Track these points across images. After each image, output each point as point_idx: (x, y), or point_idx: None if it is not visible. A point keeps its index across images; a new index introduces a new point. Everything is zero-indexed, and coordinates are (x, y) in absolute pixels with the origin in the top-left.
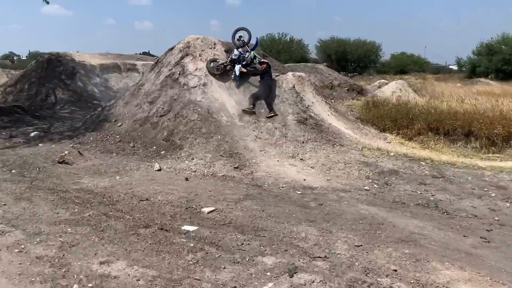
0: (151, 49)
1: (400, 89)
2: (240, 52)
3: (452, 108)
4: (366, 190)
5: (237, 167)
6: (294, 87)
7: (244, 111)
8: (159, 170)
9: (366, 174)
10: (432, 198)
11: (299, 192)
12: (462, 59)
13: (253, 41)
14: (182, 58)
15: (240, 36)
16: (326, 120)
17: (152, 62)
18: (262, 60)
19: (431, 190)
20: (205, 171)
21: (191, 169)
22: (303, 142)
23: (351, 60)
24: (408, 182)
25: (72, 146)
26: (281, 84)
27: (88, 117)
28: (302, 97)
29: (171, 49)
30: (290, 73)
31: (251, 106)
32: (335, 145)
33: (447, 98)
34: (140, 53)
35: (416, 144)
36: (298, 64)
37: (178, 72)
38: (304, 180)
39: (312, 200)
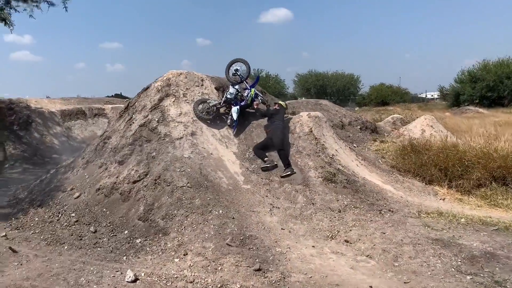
0: (123, 91)
1: (431, 126)
2: (237, 90)
3: None
4: None
5: (259, 269)
6: (311, 131)
7: (264, 169)
8: (134, 281)
9: (453, 264)
10: None
11: None
12: (444, 87)
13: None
14: (161, 100)
15: (237, 70)
16: (358, 173)
17: (123, 106)
18: (265, 99)
19: None
20: (209, 280)
21: (185, 277)
22: (339, 211)
23: (331, 93)
24: None
25: (4, 235)
26: (293, 129)
27: (36, 184)
28: (323, 144)
29: (146, 89)
30: (304, 114)
31: (267, 159)
32: (383, 212)
33: (487, 135)
34: (112, 95)
35: (480, 200)
36: (298, 100)
37: (156, 119)
38: None
39: None
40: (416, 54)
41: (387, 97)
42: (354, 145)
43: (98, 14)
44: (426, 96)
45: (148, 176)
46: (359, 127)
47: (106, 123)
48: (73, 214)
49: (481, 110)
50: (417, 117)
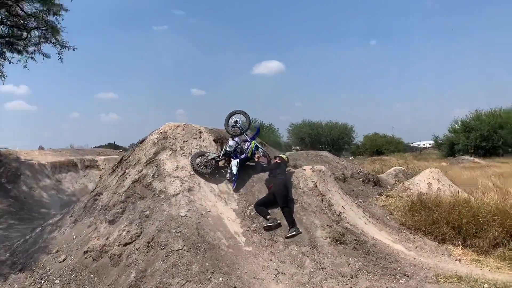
0: (117, 140)
1: (437, 179)
2: (236, 142)
3: None
4: None
5: None
6: (316, 186)
7: (267, 228)
8: None
9: None
10: None
11: None
12: (438, 137)
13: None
14: (157, 153)
15: (236, 122)
16: (367, 232)
17: (117, 157)
18: (266, 152)
19: None
20: None
21: None
22: (351, 277)
23: (325, 143)
24: None
25: None
26: (297, 184)
27: (19, 244)
28: (329, 200)
29: (141, 141)
30: (307, 167)
31: (270, 217)
32: (398, 277)
33: (497, 189)
34: (105, 145)
35: (498, 261)
36: (298, 152)
37: (151, 174)
38: None
39: None
40: (407, 103)
41: (382, 146)
42: (360, 200)
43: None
44: (420, 145)
45: (140, 237)
46: (361, 179)
47: (97, 175)
48: (57, 281)
49: (477, 160)
50: (419, 169)
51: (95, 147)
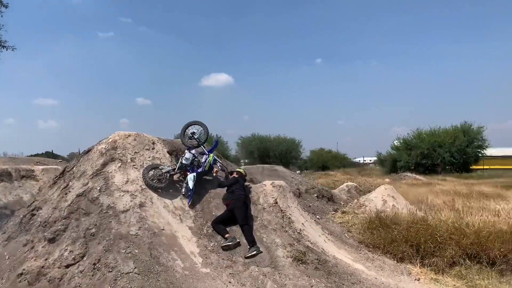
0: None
1: (392, 196)
2: (193, 155)
3: (487, 224)
4: None
5: None
6: (276, 202)
7: (225, 248)
8: None
9: None
10: None
11: None
12: (381, 153)
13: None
14: (104, 165)
15: (193, 133)
16: (328, 251)
17: (56, 167)
18: (224, 165)
19: None
20: None
21: None
22: None
23: (273, 156)
24: None
25: None
26: (256, 199)
27: None
28: (289, 217)
29: (88, 151)
30: (267, 183)
31: (228, 235)
32: None
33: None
34: (42, 153)
35: (456, 280)
36: (254, 166)
37: (98, 188)
38: None
39: None
40: (348, 121)
41: (328, 161)
42: (317, 216)
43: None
44: (364, 161)
45: (85, 258)
46: (315, 195)
47: (35, 186)
48: None
49: (418, 176)
50: (371, 186)
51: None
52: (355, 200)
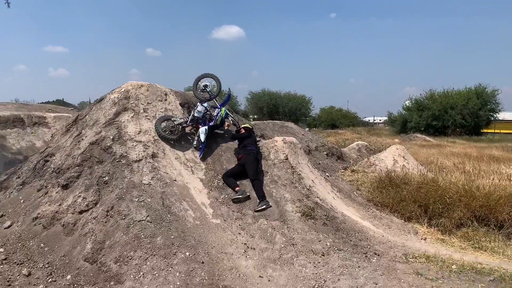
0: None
1: (403, 156)
2: (205, 108)
3: (498, 187)
4: None
5: None
6: (287, 158)
7: (235, 200)
8: None
9: None
10: None
11: None
12: (392, 113)
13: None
14: (117, 114)
15: (206, 86)
16: (336, 208)
17: (68, 115)
18: (236, 120)
19: None
20: None
21: None
22: (322, 254)
23: (283, 113)
24: None
25: None
26: (267, 155)
27: None
28: (299, 174)
29: (100, 100)
30: (279, 139)
31: (238, 189)
32: (369, 256)
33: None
34: (53, 101)
35: (462, 241)
36: (265, 121)
37: (111, 137)
38: None
39: None
40: (360, 79)
41: (337, 120)
42: (327, 174)
43: (44, 15)
44: (374, 120)
45: (98, 205)
46: (325, 153)
47: (46, 133)
48: (1, 250)
49: (428, 138)
50: (382, 145)
51: (42, 102)
52: (365, 159)
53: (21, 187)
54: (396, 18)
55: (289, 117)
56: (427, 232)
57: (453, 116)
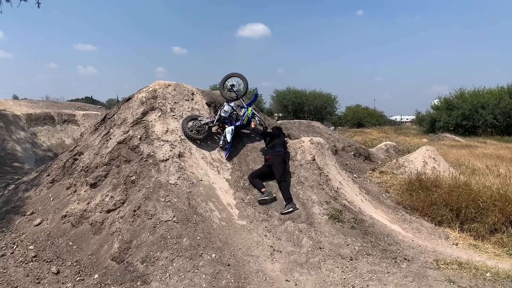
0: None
1: (433, 158)
2: (232, 108)
3: None
4: None
5: None
6: (314, 159)
7: (262, 202)
8: None
9: None
10: None
11: None
12: (421, 112)
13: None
14: (145, 114)
15: (233, 85)
16: (364, 210)
17: (96, 113)
18: (263, 120)
19: None
20: None
21: None
22: (351, 259)
23: (308, 111)
24: None
25: None
26: (294, 155)
27: None
28: (327, 175)
29: (128, 99)
30: (306, 139)
31: (265, 190)
32: (398, 261)
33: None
34: (82, 98)
35: (497, 247)
36: (291, 121)
37: (138, 136)
38: None
39: None
40: (387, 78)
41: (363, 118)
42: (355, 175)
43: (74, 14)
44: (401, 119)
45: (125, 205)
46: (352, 153)
47: (76, 131)
48: (31, 247)
49: (457, 138)
50: (411, 146)
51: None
52: (394, 160)
53: (51, 184)
54: (425, 15)
55: (314, 116)
56: (459, 237)
57: (484, 116)
